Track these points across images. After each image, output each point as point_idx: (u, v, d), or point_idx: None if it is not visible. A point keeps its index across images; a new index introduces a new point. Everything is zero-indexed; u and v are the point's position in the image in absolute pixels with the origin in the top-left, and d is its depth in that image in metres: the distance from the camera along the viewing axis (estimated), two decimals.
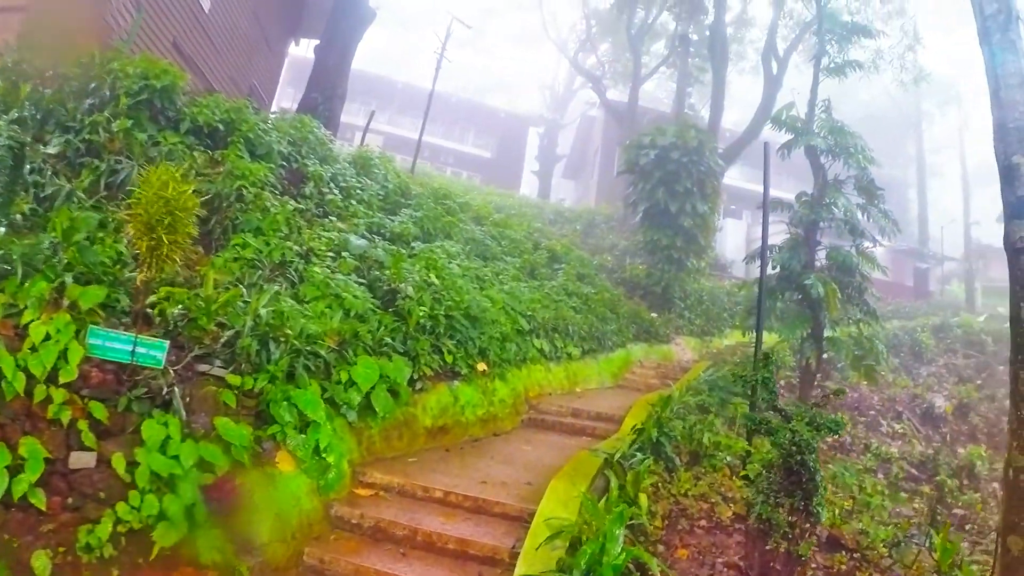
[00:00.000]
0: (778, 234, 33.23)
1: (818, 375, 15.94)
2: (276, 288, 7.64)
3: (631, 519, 5.96)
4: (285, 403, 6.25)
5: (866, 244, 15.42)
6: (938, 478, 14.29)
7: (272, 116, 12.71)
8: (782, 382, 17.37)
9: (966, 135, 44.28)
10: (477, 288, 11.38)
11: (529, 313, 12.60)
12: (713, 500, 8.31)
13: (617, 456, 8.02)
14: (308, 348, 6.84)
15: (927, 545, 8.18)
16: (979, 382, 21.00)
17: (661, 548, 6.70)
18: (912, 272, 41.59)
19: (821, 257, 15.59)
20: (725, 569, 6.73)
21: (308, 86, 15.80)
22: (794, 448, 6.11)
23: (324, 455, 6.39)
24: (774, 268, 15.44)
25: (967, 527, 11.76)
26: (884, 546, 7.58)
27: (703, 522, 7.75)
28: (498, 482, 7.37)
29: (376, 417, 7.41)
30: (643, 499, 6.86)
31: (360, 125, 22.32)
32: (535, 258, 16.63)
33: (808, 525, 6.37)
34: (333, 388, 6.95)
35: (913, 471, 14.83)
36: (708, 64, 30.47)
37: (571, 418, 11.39)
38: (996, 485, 15.29)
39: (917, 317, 29.61)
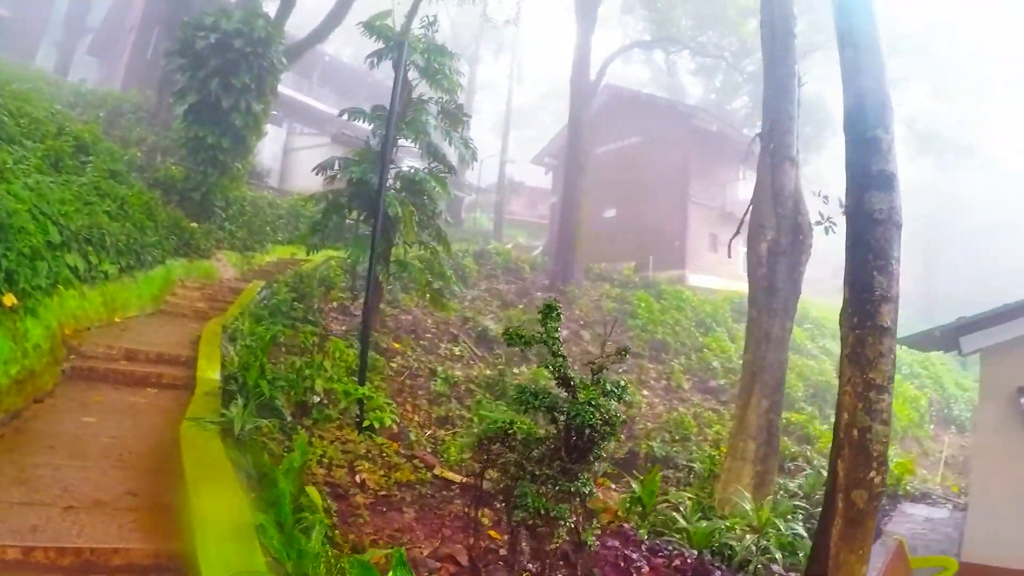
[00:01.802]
0: (317, 147, 32.37)
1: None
2: None
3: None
4: None
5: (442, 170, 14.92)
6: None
7: None
8: (334, 304, 16.44)
9: (514, 82, 46.60)
10: None
11: (61, 219, 9.57)
12: (355, 465, 7.00)
13: (239, 429, 6.13)
14: None
15: None
16: (521, 306, 22.16)
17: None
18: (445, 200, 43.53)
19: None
20: (441, 565, 5.48)
21: None
22: (607, 428, 4.99)
23: None
24: (347, 180, 14.17)
25: None
26: None
27: (359, 497, 6.37)
28: (89, 501, 4.81)
29: None
30: (314, 494, 5.19)
31: None
32: (60, 145, 13.19)
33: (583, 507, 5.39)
34: None
35: (476, 390, 14.88)
36: None
37: (126, 363, 8.90)
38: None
39: (454, 243, 30.79)
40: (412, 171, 14.51)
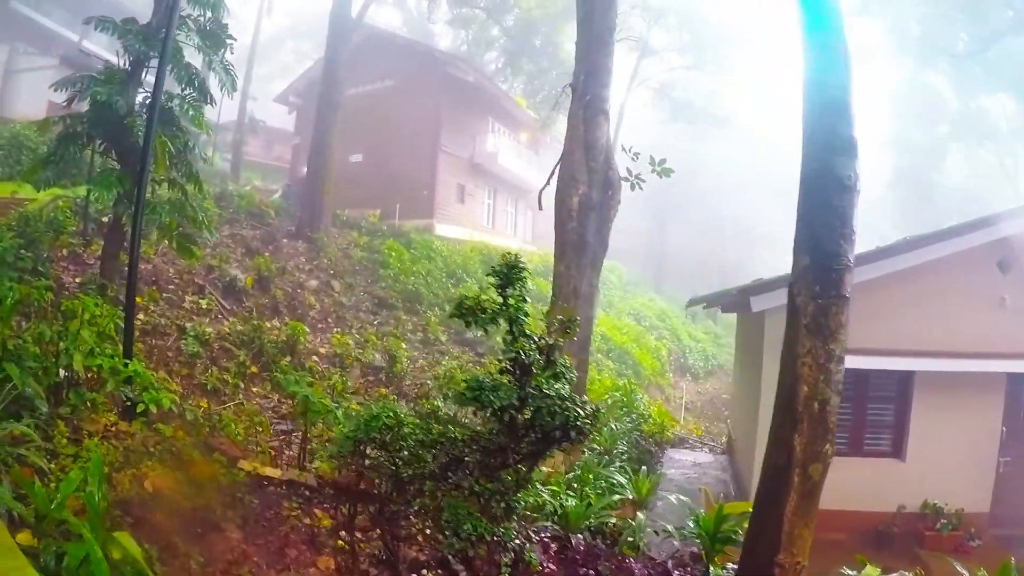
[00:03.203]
0: (44, 69, 28.08)
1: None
2: None
3: None
4: None
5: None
6: (284, 362, 13.38)
7: None
8: (64, 251, 14.11)
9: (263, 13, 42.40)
10: None
11: None
12: (140, 469, 5.60)
13: None
14: None
15: None
16: (267, 253, 20.52)
17: None
18: None
19: None
20: None
21: None
22: (589, 424, 4.02)
23: None
24: (85, 101, 11.95)
25: None
26: None
27: (159, 516, 4.98)
28: None
29: None
30: (128, 543, 3.79)
31: None
32: None
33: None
34: None
35: (233, 349, 13.45)
36: None
37: None
38: (316, 358, 15.00)
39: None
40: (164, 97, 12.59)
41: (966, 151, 39.14)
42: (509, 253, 4.90)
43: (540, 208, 12.04)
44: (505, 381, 4.40)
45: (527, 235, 41.22)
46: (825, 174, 5.69)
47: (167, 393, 7.24)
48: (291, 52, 60.47)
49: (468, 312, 4.31)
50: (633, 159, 11.67)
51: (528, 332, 4.47)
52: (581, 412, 4.09)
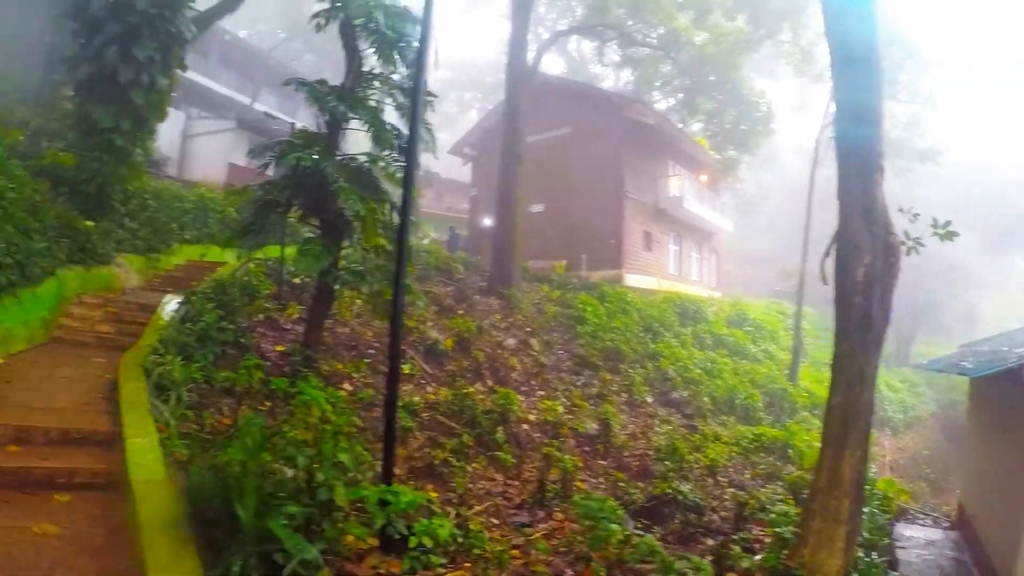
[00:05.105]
0: (220, 133, 29.23)
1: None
2: None
3: None
4: None
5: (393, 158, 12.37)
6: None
7: None
8: (260, 316, 13.72)
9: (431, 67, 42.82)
10: None
11: None
12: None
13: None
14: None
15: None
16: (461, 312, 19.67)
17: None
18: None
19: None
20: None
21: None
22: None
23: None
24: (287, 166, 11.46)
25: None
26: None
27: None
28: None
29: None
30: None
31: None
32: None
33: None
34: None
35: (446, 421, 12.55)
36: None
37: (16, 448, 5.93)
38: (527, 426, 13.91)
39: None
40: (365, 161, 12.00)
41: None
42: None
43: (824, 282, 10.17)
44: None
45: (712, 281, 39.08)
46: None
47: (442, 520, 6.01)
48: (454, 103, 61.85)
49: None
50: (911, 220, 9.72)
51: None
52: None
